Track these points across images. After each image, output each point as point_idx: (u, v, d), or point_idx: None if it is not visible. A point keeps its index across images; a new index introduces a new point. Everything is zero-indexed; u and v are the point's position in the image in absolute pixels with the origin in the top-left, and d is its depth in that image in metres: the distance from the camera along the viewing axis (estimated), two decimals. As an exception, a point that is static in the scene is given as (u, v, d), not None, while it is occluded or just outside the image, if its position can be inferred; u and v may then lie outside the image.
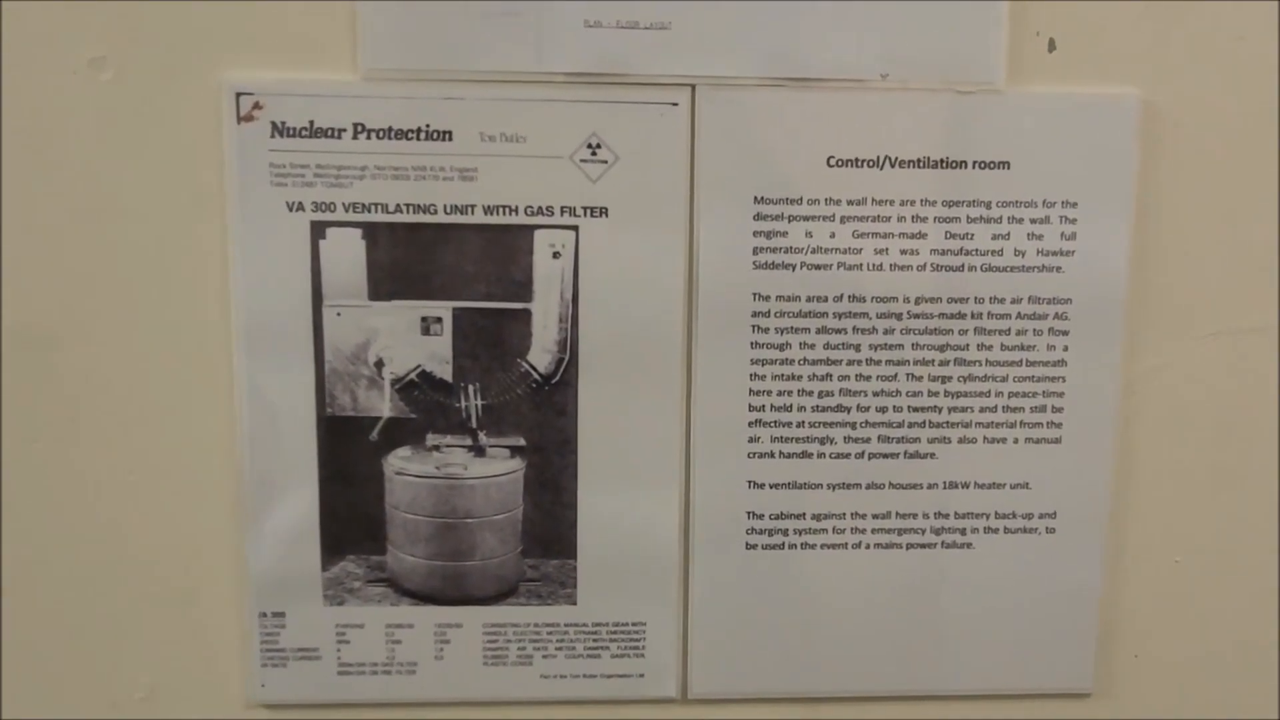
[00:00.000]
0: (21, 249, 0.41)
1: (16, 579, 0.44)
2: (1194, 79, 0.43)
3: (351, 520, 0.44)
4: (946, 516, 0.46)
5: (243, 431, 0.43)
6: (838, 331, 0.44)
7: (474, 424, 0.44)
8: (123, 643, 0.45)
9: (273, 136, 0.41)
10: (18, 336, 0.42)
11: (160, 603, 0.44)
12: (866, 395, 0.44)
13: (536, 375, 0.43)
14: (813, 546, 0.46)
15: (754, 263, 0.43)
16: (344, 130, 0.41)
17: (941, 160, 0.43)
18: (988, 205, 0.43)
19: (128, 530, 0.44)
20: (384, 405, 0.43)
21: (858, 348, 0.44)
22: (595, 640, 0.46)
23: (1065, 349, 0.44)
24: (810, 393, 0.44)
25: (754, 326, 0.44)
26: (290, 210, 0.42)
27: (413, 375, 0.43)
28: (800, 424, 0.44)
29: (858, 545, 0.46)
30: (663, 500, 0.45)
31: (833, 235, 0.43)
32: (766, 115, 0.42)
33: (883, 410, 0.45)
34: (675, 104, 0.42)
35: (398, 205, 0.42)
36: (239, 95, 0.41)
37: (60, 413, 0.43)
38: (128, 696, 0.45)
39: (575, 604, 0.45)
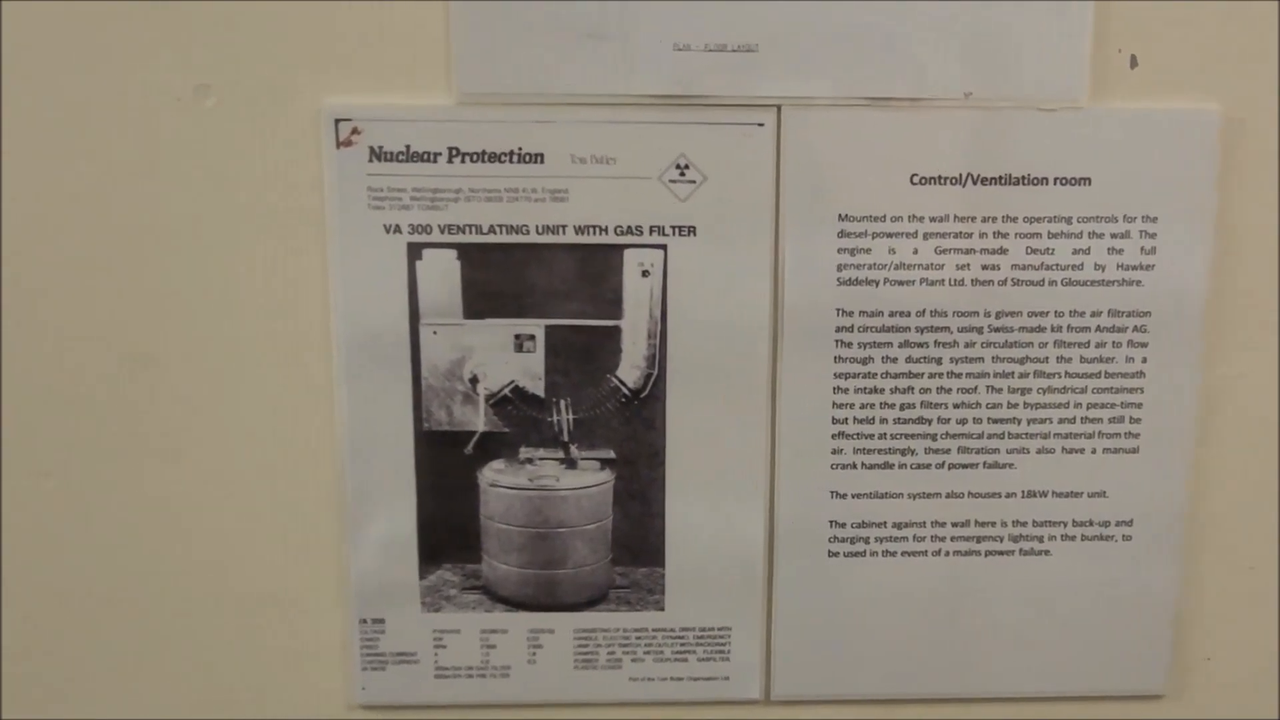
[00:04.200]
0: (130, 271, 0.40)
1: (131, 586, 0.43)
2: (1274, 94, 0.41)
3: (448, 530, 0.43)
4: (1025, 524, 0.44)
5: (344, 446, 0.42)
6: (919, 345, 0.42)
7: (565, 437, 0.43)
8: (229, 648, 0.44)
9: (371, 161, 0.40)
10: (128, 356, 0.41)
11: (266, 609, 0.43)
12: (947, 407, 0.43)
13: (626, 390, 0.42)
14: (893, 554, 0.44)
15: (838, 279, 0.41)
16: (439, 154, 0.40)
17: (1024, 177, 0.41)
18: (1068, 220, 0.41)
19: (235, 540, 0.43)
20: (479, 420, 0.42)
21: (939, 361, 0.42)
22: (682, 644, 0.45)
23: (1144, 360, 0.43)
24: (892, 405, 0.43)
25: (838, 341, 0.42)
26: (388, 232, 0.41)
27: (506, 391, 0.42)
28: (882, 435, 0.43)
29: (937, 553, 0.44)
30: (748, 510, 0.43)
31: (915, 252, 0.41)
32: (851, 134, 0.40)
33: (963, 422, 0.43)
34: (761, 124, 0.40)
35: (491, 226, 0.41)
36: (338, 121, 0.40)
37: (170, 429, 0.42)
38: (234, 698, 0.44)
39: (663, 610, 0.44)
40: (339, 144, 0.40)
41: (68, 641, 0.43)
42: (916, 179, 0.41)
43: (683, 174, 0.41)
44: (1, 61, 0.38)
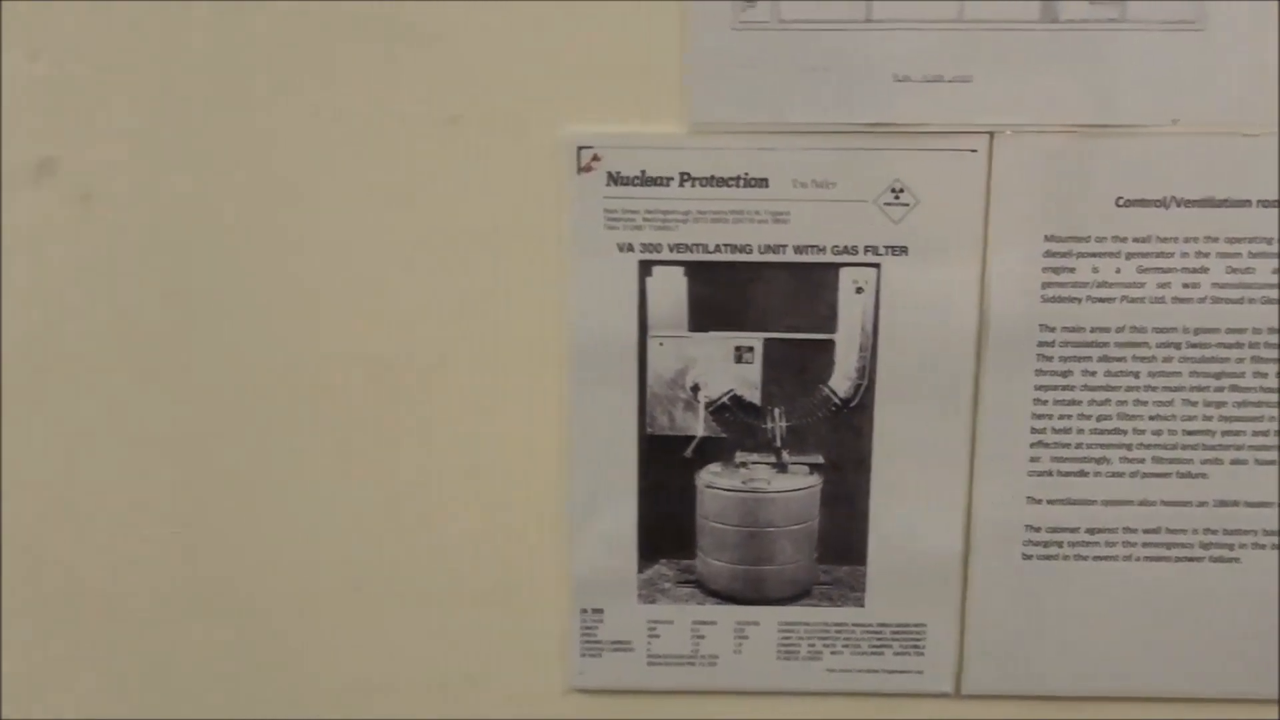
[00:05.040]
0: (382, 284, 0.43)
1: (373, 576, 0.46)
2: None
3: (665, 528, 0.46)
4: (1215, 533, 0.45)
5: (572, 448, 0.45)
6: (1118, 360, 0.44)
7: (778, 443, 0.45)
8: (459, 633, 0.47)
9: (608, 185, 0.43)
10: (376, 363, 0.44)
11: (494, 599, 0.46)
12: (1143, 419, 0.44)
13: (837, 399, 0.44)
14: (1085, 558, 0.46)
15: (1042, 296, 0.43)
16: (671, 179, 0.43)
17: (1225, 199, 0.42)
18: (1269, 241, 0.43)
19: (467, 533, 0.46)
20: (698, 425, 0.45)
21: (1136, 375, 0.44)
22: (879, 639, 0.47)
23: (1338, 376, 0.44)
24: (1089, 416, 0.44)
25: (1039, 355, 0.44)
26: (621, 250, 0.43)
27: (725, 399, 0.45)
28: (1079, 445, 0.44)
29: (1128, 558, 0.45)
30: (947, 513, 0.45)
31: (1118, 271, 0.43)
32: (1060, 160, 0.42)
33: (1158, 433, 0.44)
34: (974, 150, 0.42)
35: (717, 246, 0.43)
36: (580, 149, 0.42)
37: (412, 431, 0.45)
38: (461, 679, 0.47)
39: (862, 606, 0.46)
40: (579, 169, 0.43)
41: (316, 620, 0.47)
42: (1122, 201, 0.42)
43: (897, 197, 0.43)
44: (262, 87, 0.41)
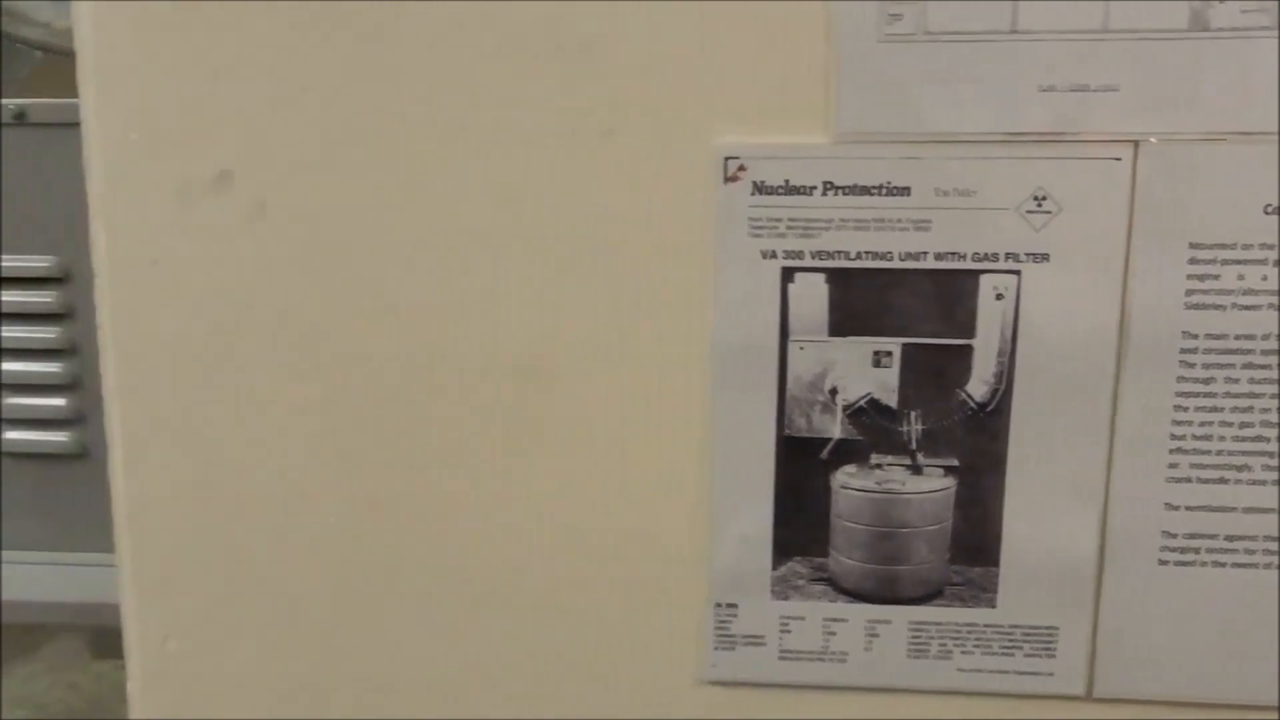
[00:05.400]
0: (533, 288, 0.45)
1: (517, 571, 0.48)
2: None
3: (800, 527, 0.47)
4: (1360, 542, 0.45)
5: (713, 448, 0.46)
6: (1263, 367, 0.43)
7: (914, 446, 0.46)
8: (597, 625, 0.49)
9: (752, 194, 0.44)
10: (521, 369, 0.46)
11: (629, 592, 0.48)
12: (1287, 427, 0.44)
13: (973, 404, 0.45)
14: (1223, 565, 0.46)
15: (1185, 304, 0.43)
16: (815, 188, 0.44)
17: (1378, 206, 0.42)
18: None
19: (610, 529, 0.47)
20: (835, 428, 0.46)
21: (1280, 383, 0.44)
22: (1010, 640, 0.47)
23: None
24: (1231, 424, 0.44)
25: (1181, 362, 0.44)
26: (764, 258, 0.44)
27: (862, 402, 0.46)
28: (1219, 452, 0.44)
29: (1268, 565, 0.45)
30: (1082, 517, 0.45)
31: (1264, 278, 0.43)
32: (1206, 168, 0.42)
33: (1302, 441, 0.44)
34: (1119, 159, 0.42)
35: (858, 253, 0.44)
36: (726, 159, 0.44)
37: (558, 431, 0.47)
38: (598, 669, 0.49)
39: (994, 607, 0.47)
40: (726, 179, 0.44)
41: (459, 612, 0.49)
42: (1270, 209, 0.42)
43: (1039, 205, 0.43)
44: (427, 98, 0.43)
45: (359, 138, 0.45)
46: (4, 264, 0.84)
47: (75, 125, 0.76)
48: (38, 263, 0.85)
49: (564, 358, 0.46)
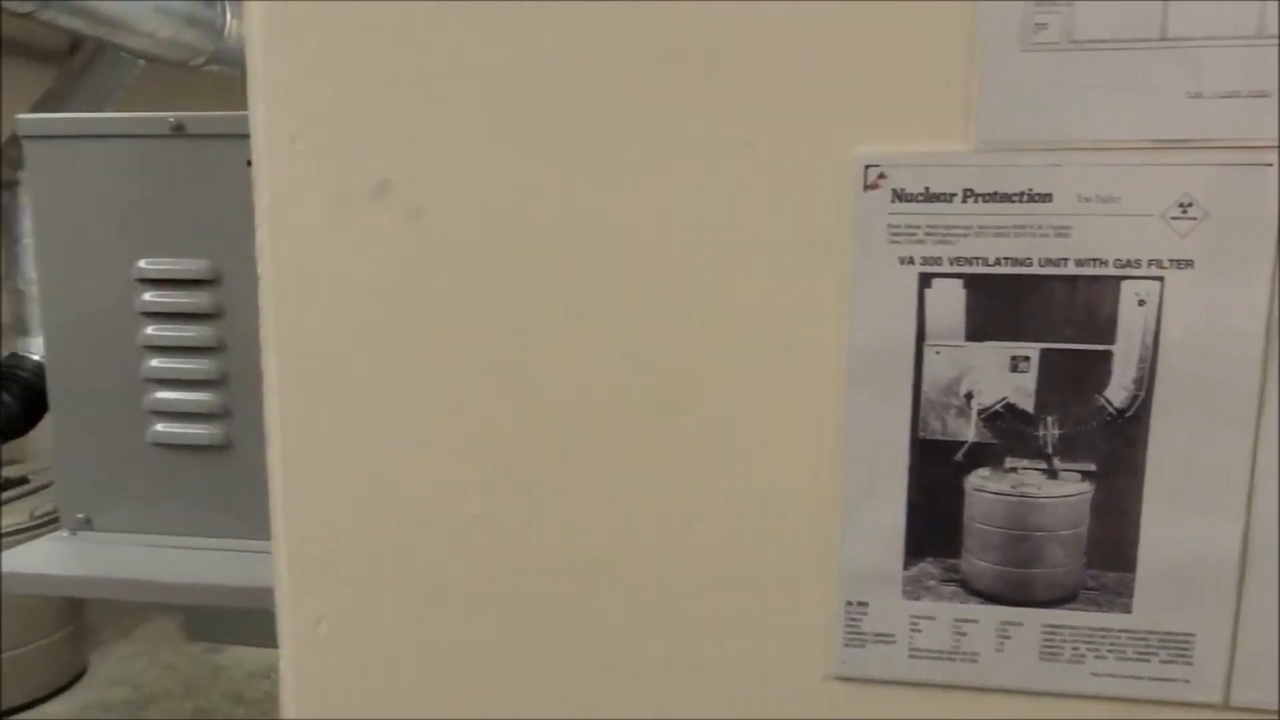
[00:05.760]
0: (674, 295, 0.47)
1: (653, 563, 0.50)
2: None
3: (932, 528, 0.47)
4: None
5: (847, 449, 0.47)
6: None
7: (1049, 450, 0.46)
8: (727, 618, 0.50)
9: (892, 201, 0.45)
10: (665, 370, 0.48)
11: (761, 588, 0.49)
12: None
13: (1112, 409, 0.45)
14: (1371, 575, 0.45)
15: (1337, 311, 0.43)
16: (954, 195, 0.44)
17: None
18: None
19: (744, 525, 0.49)
20: (969, 431, 0.46)
21: None
22: (1145, 646, 0.47)
23: None
24: (1382, 432, 0.44)
25: (1331, 370, 0.44)
26: (902, 264, 0.45)
27: (998, 406, 0.46)
28: (1370, 461, 0.44)
29: None
30: (1223, 524, 0.45)
31: None
32: (1362, 173, 0.42)
33: None
34: (1269, 165, 0.42)
35: (997, 259, 0.44)
36: (867, 167, 0.45)
37: (699, 431, 0.48)
38: (729, 662, 0.51)
39: (1129, 612, 0.47)
40: (866, 187, 0.45)
41: (604, 605, 0.51)
42: None
43: (1185, 211, 0.43)
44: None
45: (512, 148, 0.47)
46: (160, 266, 0.90)
47: (226, 137, 0.80)
48: (191, 265, 0.90)
49: (705, 359, 0.48)
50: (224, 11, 2.79)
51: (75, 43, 3.38)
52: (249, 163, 0.72)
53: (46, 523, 3.01)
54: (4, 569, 0.88)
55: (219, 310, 0.94)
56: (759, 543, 0.49)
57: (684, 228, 0.46)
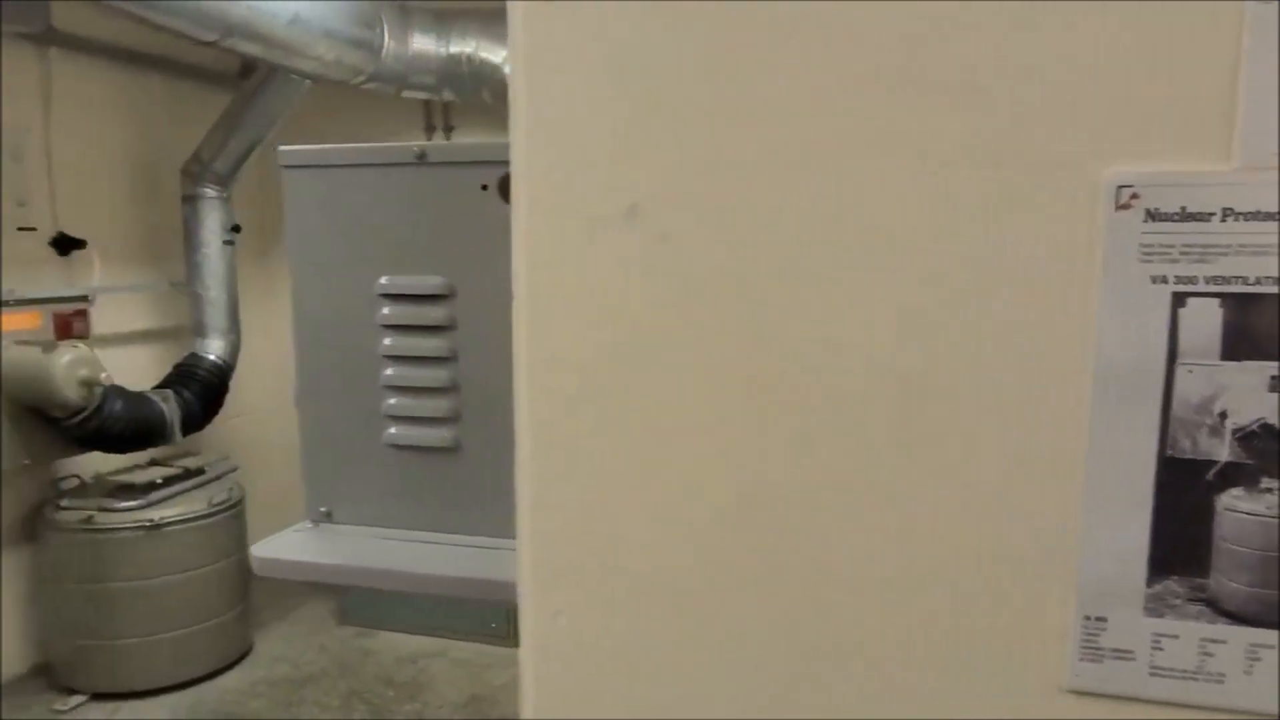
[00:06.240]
0: (920, 308, 0.48)
1: (887, 569, 0.52)
2: None
3: (1178, 546, 0.47)
4: None
5: (1089, 465, 0.48)
6: None
7: (1310, 472, 0.45)
8: (962, 625, 0.51)
9: (1145, 221, 0.45)
10: (907, 384, 0.49)
11: (998, 597, 0.50)
12: None
13: (1381, 431, 0.44)
14: None
15: None
16: (1213, 214, 0.44)
17: None
18: None
19: (982, 534, 0.50)
20: (1222, 451, 0.46)
21: None
22: None
23: None
24: None
25: None
26: (1153, 283, 0.45)
27: (1254, 426, 0.45)
28: None
29: None
30: None
31: None
32: None
33: None
34: None
35: (1257, 279, 0.44)
36: (1119, 188, 0.45)
37: (939, 443, 0.49)
38: (960, 671, 0.52)
39: (1395, 640, 0.46)
40: (1118, 207, 0.45)
41: (827, 610, 0.53)
42: None
43: None
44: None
45: (756, 173, 0.49)
46: (400, 282, 0.98)
47: (463, 164, 0.86)
48: (428, 281, 0.99)
49: (948, 374, 0.49)
50: (382, 33, 2.94)
51: (246, 66, 3.63)
52: (484, 187, 0.77)
53: (223, 510, 3.26)
54: (257, 555, 0.98)
55: (452, 323, 1.01)
56: (996, 554, 0.50)
57: (932, 246, 0.48)
